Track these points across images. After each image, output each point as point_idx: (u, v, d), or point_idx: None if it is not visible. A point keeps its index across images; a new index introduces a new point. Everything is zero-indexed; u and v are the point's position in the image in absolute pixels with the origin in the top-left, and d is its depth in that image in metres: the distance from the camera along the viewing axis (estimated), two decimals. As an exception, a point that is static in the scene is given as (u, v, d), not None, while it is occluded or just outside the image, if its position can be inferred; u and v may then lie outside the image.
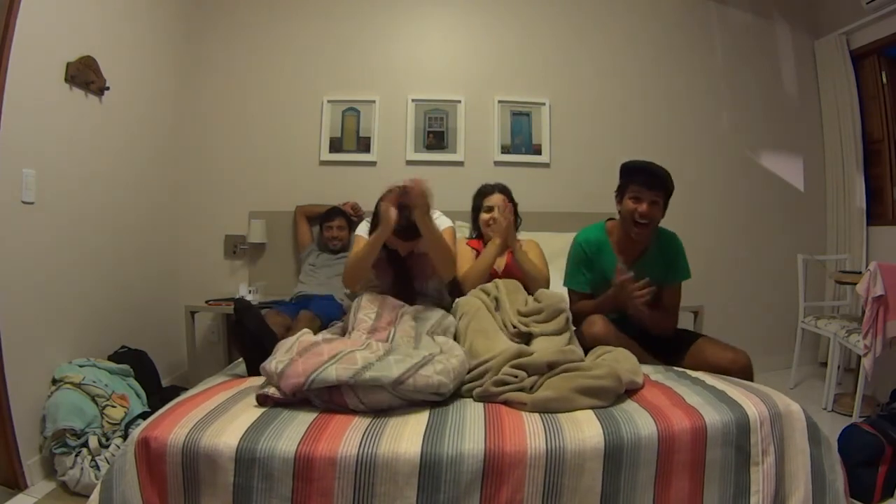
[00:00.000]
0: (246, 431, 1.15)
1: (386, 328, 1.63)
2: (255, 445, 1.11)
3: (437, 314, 1.76)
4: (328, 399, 1.26)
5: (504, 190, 2.32)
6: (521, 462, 1.09)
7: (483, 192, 2.33)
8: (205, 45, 3.19)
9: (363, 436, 1.14)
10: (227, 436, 1.14)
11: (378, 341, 1.52)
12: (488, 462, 1.09)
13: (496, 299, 1.82)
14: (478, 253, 2.21)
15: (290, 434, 1.15)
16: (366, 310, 1.68)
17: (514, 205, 2.27)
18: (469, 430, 1.17)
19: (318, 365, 1.26)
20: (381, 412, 1.25)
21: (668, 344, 1.88)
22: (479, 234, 2.36)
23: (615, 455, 1.13)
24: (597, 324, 1.78)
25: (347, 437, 1.14)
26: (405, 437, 1.14)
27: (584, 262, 2.00)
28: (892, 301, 2.22)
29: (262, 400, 1.30)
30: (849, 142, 3.32)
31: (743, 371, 1.65)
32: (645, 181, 1.82)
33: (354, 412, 1.25)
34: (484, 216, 2.26)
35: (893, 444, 1.77)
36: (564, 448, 1.11)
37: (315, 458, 1.09)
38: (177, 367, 2.97)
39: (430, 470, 1.08)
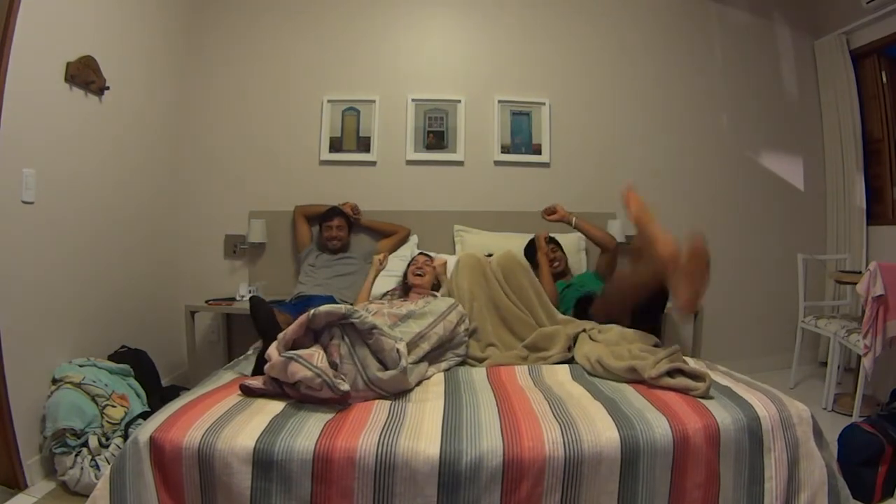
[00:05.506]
0: (262, 433, 1.15)
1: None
2: (273, 447, 1.11)
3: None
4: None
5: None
6: (539, 461, 1.11)
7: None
8: (205, 44, 3.18)
9: (381, 433, 1.15)
10: (242, 438, 1.14)
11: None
12: (507, 462, 1.10)
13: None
14: None
15: (307, 433, 1.15)
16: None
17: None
18: (486, 430, 1.18)
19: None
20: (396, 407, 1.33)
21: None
22: None
23: (632, 449, 1.15)
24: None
25: (365, 434, 1.15)
26: (423, 434, 1.15)
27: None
28: (892, 301, 2.21)
29: (247, 390, 1.38)
30: (849, 142, 3.32)
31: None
32: None
33: (371, 399, 1.38)
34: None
35: (893, 444, 1.77)
36: (582, 448, 1.13)
37: (334, 456, 1.09)
38: (177, 367, 2.97)
39: (450, 468, 1.09)
